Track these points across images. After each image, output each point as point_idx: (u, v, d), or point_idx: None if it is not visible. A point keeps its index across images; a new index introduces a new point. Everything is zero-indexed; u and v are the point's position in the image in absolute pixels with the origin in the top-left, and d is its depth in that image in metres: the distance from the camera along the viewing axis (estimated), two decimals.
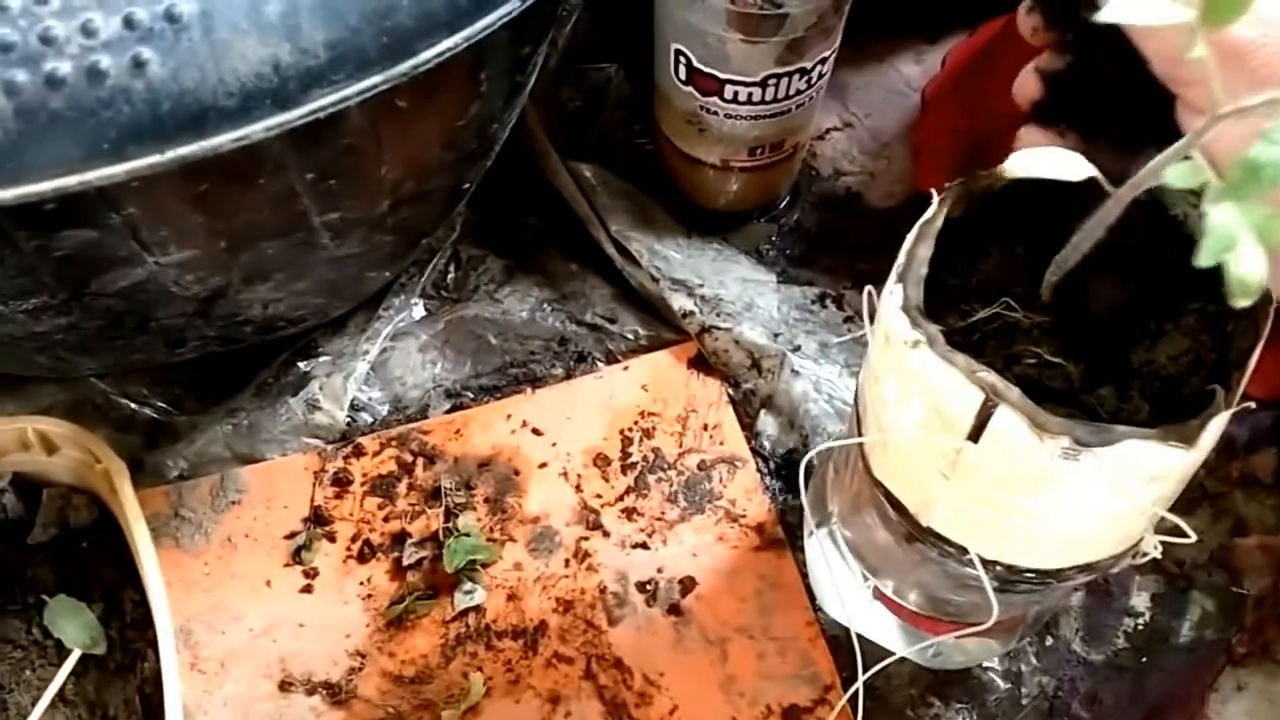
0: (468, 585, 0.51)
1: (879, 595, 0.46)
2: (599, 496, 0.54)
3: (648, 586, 0.52)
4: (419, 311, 0.59)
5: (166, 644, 0.43)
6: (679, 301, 0.57)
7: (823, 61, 0.52)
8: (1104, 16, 0.21)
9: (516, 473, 0.55)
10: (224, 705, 0.49)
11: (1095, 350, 0.34)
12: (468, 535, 0.52)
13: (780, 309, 0.58)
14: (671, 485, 0.55)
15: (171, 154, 0.32)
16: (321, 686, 0.49)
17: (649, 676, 0.50)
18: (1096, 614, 0.51)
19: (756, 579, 0.52)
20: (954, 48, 0.67)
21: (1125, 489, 0.31)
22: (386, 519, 0.53)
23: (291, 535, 0.53)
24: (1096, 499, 0.31)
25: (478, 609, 0.51)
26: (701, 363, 0.58)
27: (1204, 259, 0.22)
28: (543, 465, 0.55)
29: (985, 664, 0.50)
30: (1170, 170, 0.24)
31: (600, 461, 0.55)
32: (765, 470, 0.55)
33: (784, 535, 0.53)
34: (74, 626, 0.46)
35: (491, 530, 0.53)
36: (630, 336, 0.59)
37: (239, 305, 0.46)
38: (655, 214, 0.61)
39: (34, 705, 0.44)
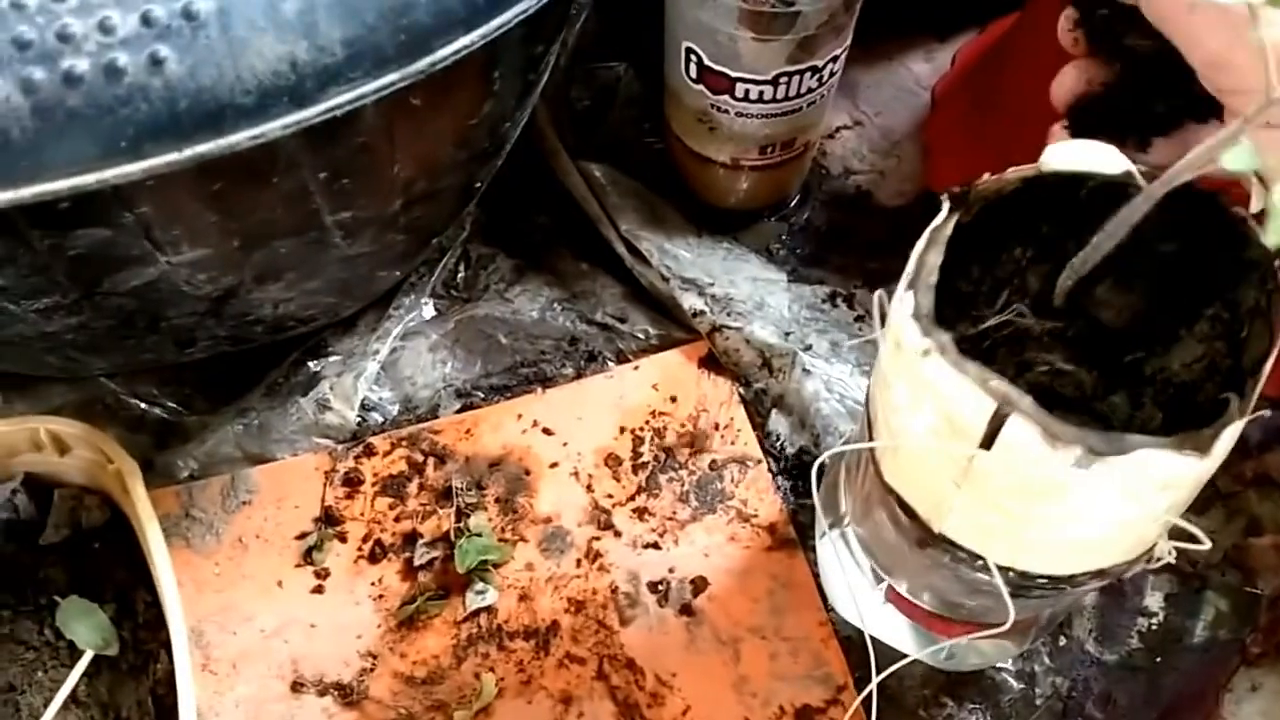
0: (479, 585, 0.51)
1: (892, 596, 0.46)
2: (610, 496, 0.54)
3: (659, 586, 0.52)
4: (429, 311, 0.59)
5: (180, 645, 0.43)
6: (689, 301, 0.57)
7: (834, 60, 0.52)
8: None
9: (527, 472, 0.55)
10: (236, 706, 0.49)
11: (1108, 357, 0.34)
12: (479, 535, 0.52)
13: (791, 308, 0.58)
14: (683, 485, 0.54)
15: (189, 152, 0.31)
16: (333, 687, 0.49)
17: (661, 677, 0.50)
18: (1110, 614, 0.51)
19: (768, 579, 0.52)
20: (964, 46, 0.67)
21: (1138, 497, 0.31)
22: (397, 519, 0.53)
23: (302, 535, 0.53)
24: (1110, 507, 0.31)
25: (489, 609, 0.51)
26: (712, 362, 0.58)
27: (1271, 238, 0.22)
28: (554, 465, 0.55)
29: (998, 664, 0.50)
30: (1226, 154, 0.23)
31: (611, 461, 0.55)
32: (776, 470, 0.55)
33: (796, 535, 0.53)
34: (86, 628, 0.46)
35: (503, 530, 0.53)
36: (641, 336, 0.59)
37: (250, 304, 0.46)
38: (665, 213, 0.60)
39: (46, 706, 0.44)
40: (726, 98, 0.53)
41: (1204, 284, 0.33)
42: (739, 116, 0.54)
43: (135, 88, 0.31)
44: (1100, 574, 0.36)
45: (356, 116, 0.34)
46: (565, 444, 0.56)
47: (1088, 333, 0.34)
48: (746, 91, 0.52)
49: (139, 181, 0.32)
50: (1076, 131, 0.38)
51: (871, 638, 0.45)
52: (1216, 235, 0.32)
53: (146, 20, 0.30)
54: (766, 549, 0.53)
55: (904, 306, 0.32)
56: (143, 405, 0.55)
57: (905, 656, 0.45)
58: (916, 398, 0.33)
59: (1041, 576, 0.35)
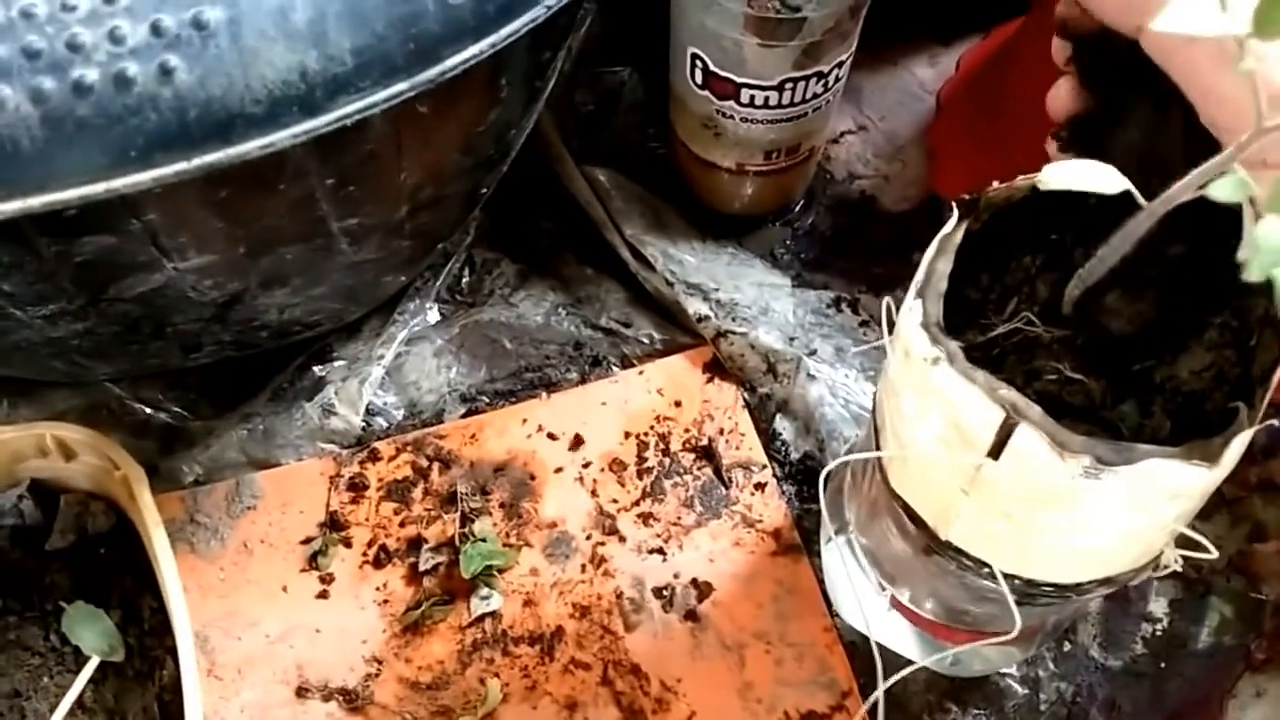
0: (484, 591, 0.51)
1: (896, 604, 0.46)
2: (615, 501, 0.54)
3: (664, 592, 0.52)
4: (434, 316, 0.59)
5: (186, 651, 0.43)
6: (694, 306, 0.57)
7: (839, 65, 0.52)
8: (1156, 26, 0.21)
9: (532, 477, 0.55)
10: (241, 712, 0.49)
11: (1116, 365, 0.34)
12: (484, 540, 0.52)
13: (796, 313, 0.58)
14: (687, 490, 0.54)
15: (199, 161, 0.31)
16: (338, 693, 0.49)
17: (666, 683, 0.50)
18: (1115, 620, 0.51)
19: (773, 584, 0.52)
20: (968, 51, 0.67)
21: (1147, 506, 0.31)
22: (402, 524, 0.53)
23: (307, 541, 0.53)
24: (1118, 516, 0.31)
25: (494, 615, 0.51)
26: (717, 367, 0.58)
27: (1253, 274, 0.22)
28: (558, 470, 0.55)
29: (1003, 670, 0.50)
30: (1216, 184, 0.24)
31: (616, 466, 0.55)
32: (781, 475, 0.55)
33: (800, 540, 0.53)
34: (92, 633, 0.46)
35: (507, 535, 0.53)
36: (645, 341, 0.59)
37: (255, 310, 0.46)
38: (670, 218, 0.60)
39: (52, 712, 0.44)
40: (731, 103, 0.53)
41: (1213, 292, 0.33)
42: (744, 122, 0.54)
43: (145, 97, 0.31)
44: (1107, 582, 0.36)
45: (365, 125, 0.34)
46: (570, 449, 0.56)
47: (1097, 341, 0.34)
48: (752, 97, 0.52)
49: (147, 190, 0.32)
50: (1071, 142, 0.38)
51: (877, 644, 0.45)
52: (1226, 243, 0.32)
53: (156, 30, 0.30)
54: (771, 554, 0.53)
55: (912, 315, 0.32)
56: (148, 410, 0.55)
57: (910, 663, 0.45)
58: (924, 406, 0.33)
59: (1048, 585, 0.35)
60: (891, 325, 0.35)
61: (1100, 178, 0.31)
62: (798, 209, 0.63)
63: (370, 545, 0.53)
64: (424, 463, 0.55)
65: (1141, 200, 0.29)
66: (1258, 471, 0.53)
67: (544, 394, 0.57)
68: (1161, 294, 0.34)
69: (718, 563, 0.53)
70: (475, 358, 0.58)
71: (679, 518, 0.54)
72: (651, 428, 0.56)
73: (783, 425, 0.56)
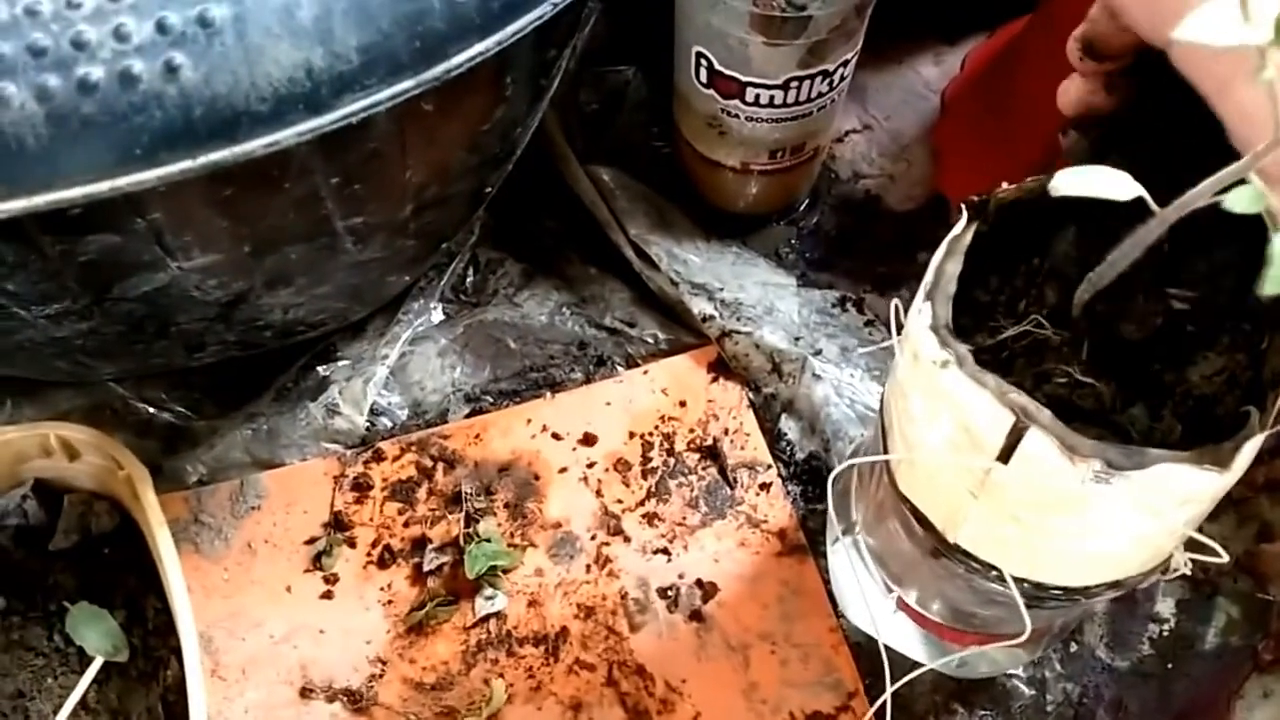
0: (489, 591, 0.51)
1: (903, 606, 0.45)
2: (620, 502, 0.54)
3: (669, 592, 0.52)
4: (438, 315, 0.59)
5: (190, 652, 0.43)
6: (699, 305, 0.57)
7: (845, 64, 0.52)
8: (1177, 36, 0.21)
9: (536, 477, 0.55)
10: (245, 713, 0.49)
11: (1126, 368, 0.34)
12: (488, 541, 0.52)
13: (800, 312, 0.58)
14: (692, 490, 0.54)
15: (204, 159, 0.31)
16: (342, 693, 0.49)
17: (671, 683, 0.50)
18: (1122, 620, 0.51)
19: (778, 585, 0.52)
20: (974, 49, 0.67)
21: (1157, 511, 0.31)
22: (407, 524, 0.53)
23: (311, 541, 0.53)
24: (1127, 520, 0.31)
25: (499, 615, 0.51)
26: (722, 367, 0.58)
27: (1268, 288, 0.21)
28: (563, 470, 0.55)
29: (1010, 671, 0.50)
30: (1232, 196, 0.23)
31: (620, 466, 0.55)
32: (786, 475, 0.55)
33: (805, 541, 0.53)
34: (96, 634, 0.46)
35: (512, 536, 0.53)
36: (650, 340, 0.59)
37: (260, 310, 0.46)
38: (674, 217, 0.60)
39: (56, 713, 0.44)
40: (736, 102, 0.53)
41: (1225, 297, 0.33)
42: (749, 121, 0.54)
43: (150, 95, 0.30)
44: (1116, 585, 0.36)
45: (370, 123, 0.34)
46: (574, 449, 0.55)
47: (1106, 344, 0.34)
48: (757, 96, 0.52)
49: (151, 188, 0.32)
50: (1087, 142, 0.38)
51: (884, 645, 0.45)
52: (1239, 246, 0.32)
53: (162, 27, 0.30)
54: (776, 555, 0.53)
55: (921, 317, 0.32)
56: (151, 410, 0.55)
57: (917, 664, 0.45)
58: (933, 409, 0.33)
59: (1056, 588, 0.35)
60: (899, 327, 0.35)
61: (1114, 184, 0.30)
62: (802, 208, 0.63)
63: (374, 545, 0.53)
64: (428, 463, 0.55)
65: (1155, 206, 0.29)
66: (1265, 472, 0.53)
67: (548, 394, 0.57)
68: (1172, 297, 0.34)
69: (723, 563, 0.52)
70: (480, 357, 0.58)
71: (684, 518, 0.53)
72: (656, 428, 0.56)
73: (788, 425, 0.56)
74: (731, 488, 0.54)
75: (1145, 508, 0.30)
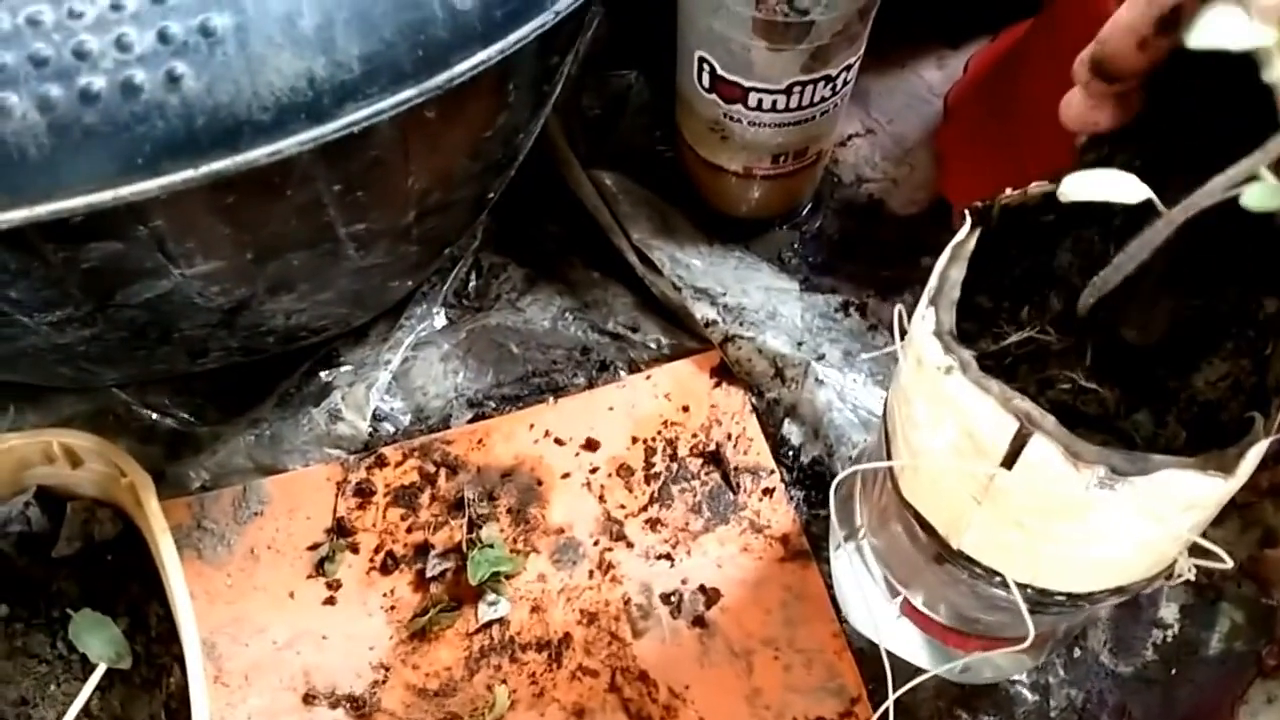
0: (491, 597, 0.51)
1: (907, 610, 0.45)
2: (622, 507, 0.54)
3: (672, 598, 0.52)
4: (441, 320, 0.59)
5: (193, 658, 0.43)
6: (702, 310, 0.57)
7: (847, 69, 0.52)
8: (1191, 42, 0.21)
9: (539, 483, 0.55)
10: (248, 719, 0.49)
11: (1131, 374, 0.33)
12: (491, 547, 0.52)
13: (803, 317, 0.58)
14: (695, 495, 0.54)
15: (205, 169, 0.31)
16: (345, 699, 0.49)
17: (674, 689, 0.49)
18: (1125, 626, 0.51)
19: (782, 590, 0.52)
20: (977, 53, 0.67)
21: (1161, 517, 0.30)
22: (409, 530, 0.53)
23: (314, 547, 0.53)
24: (1132, 527, 0.31)
25: (501, 621, 0.51)
26: (724, 372, 0.58)
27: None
28: (565, 475, 0.55)
29: (1013, 677, 0.49)
30: (1248, 193, 0.23)
31: (623, 472, 0.55)
32: (789, 480, 0.55)
33: (809, 546, 0.53)
34: (99, 641, 0.46)
35: (515, 541, 0.53)
36: (653, 345, 0.59)
37: (262, 316, 0.46)
38: (677, 222, 0.60)
39: None
40: (739, 107, 0.53)
41: (1230, 300, 0.33)
42: (751, 125, 0.54)
43: (152, 105, 0.30)
44: (1120, 591, 0.35)
45: (373, 131, 0.34)
46: (577, 454, 0.55)
47: (1111, 349, 0.34)
48: (759, 101, 0.52)
49: (153, 197, 0.32)
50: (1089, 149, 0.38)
51: (886, 651, 0.45)
52: (1244, 250, 0.32)
53: (164, 37, 0.30)
54: (779, 560, 0.53)
55: (925, 323, 0.32)
56: (154, 416, 0.55)
57: (920, 670, 0.45)
58: (937, 415, 0.33)
59: (1060, 594, 0.35)
60: (903, 332, 0.35)
61: (1122, 187, 0.30)
62: (805, 212, 0.63)
63: (377, 551, 0.53)
64: (431, 468, 0.55)
65: (1162, 207, 0.29)
66: (1268, 476, 0.53)
67: (551, 399, 0.57)
68: (1177, 303, 0.34)
69: (726, 568, 0.52)
70: (482, 363, 0.58)
71: (687, 523, 0.53)
72: (659, 433, 0.56)
73: (791, 430, 0.56)
74: (734, 493, 0.54)
75: (1149, 514, 0.30)
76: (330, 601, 0.52)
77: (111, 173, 0.31)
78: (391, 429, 0.56)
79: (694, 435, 0.56)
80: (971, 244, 0.33)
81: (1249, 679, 0.49)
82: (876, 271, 0.61)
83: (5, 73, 0.30)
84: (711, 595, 0.52)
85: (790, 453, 0.55)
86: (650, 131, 0.64)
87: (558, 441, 0.56)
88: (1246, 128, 0.30)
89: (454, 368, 0.58)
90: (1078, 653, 0.50)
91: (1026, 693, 0.49)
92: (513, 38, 0.35)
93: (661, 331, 0.59)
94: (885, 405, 0.39)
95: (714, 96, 0.53)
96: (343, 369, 0.56)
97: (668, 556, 0.53)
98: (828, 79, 0.51)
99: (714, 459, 0.55)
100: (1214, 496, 0.30)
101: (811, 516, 0.54)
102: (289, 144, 0.32)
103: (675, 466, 0.55)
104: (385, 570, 0.52)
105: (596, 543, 0.53)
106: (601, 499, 0.54)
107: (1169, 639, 0.51)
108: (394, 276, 0.51)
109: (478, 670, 0.50)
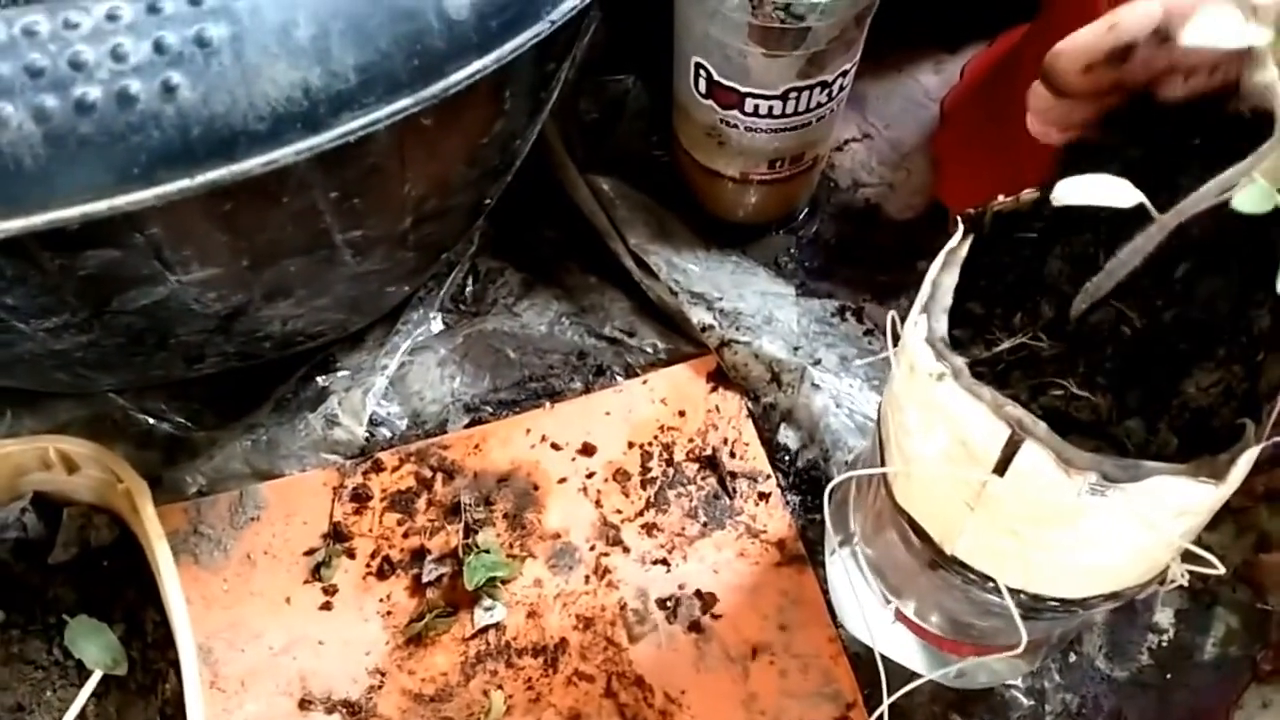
0: (488, 602, 0.51)
1: (901, 617, 0.45)
2: (619, 512, 0.54)
3: (668, 603, 0.52)
4: (437, 325, 0.59)
5: (189, 664, 0.43)
6: (698, 315, 0.57)
7: (844, 74, 0.52)
8: (1185, 40, 0.21)
9: (536, 488, 0.55)
10: None
11: (1123, 381, 0.34)
12: (487, 552, 0.52)
13: (800, 322, 0.58)
14: (691, 500, 0.54)
15: (201, 178, 0.31)
16: (341, 705, 0.49)
17: (670, 694, 0.50)
18: (1120, 630, 0.51)
19: (778, 595, 0.52)
20: (973, 58, 0.67)
21: (1153, 523, 0.31)
22: (406, 535, 0.53)
23: (311, 552, 0.53)
24: (1124, 533, 0.31)
25: (498, 626, 0.51)
26: (721, 376, 0.58)
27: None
28: (562, 480, 0.55)
29: (1008, 681, 0.50)
30: (1240, 195, 0.23)
31: (620, 476, 0.55)
32: (785, 485, 0.55)
33: (805, 551, 0.53)
34: (95, 647, 0.46)
35: (511, 546, 0.53)
36: (649, 350, 0.59)
37: (259, 322, 0.46)
38: (673, 227, 0.60)
39: None
40: (735, 112, 0.53)
41: (1221, 307, 0.33)
42: (748, 131, 0.54)
43: (148, 115, 0.30)
44: (1113, 596, 0.36)
45: (369, 140, 0.34)
46: (573, 459, 0.55)
47: (1103, 356, 0.34)
48: (756, 106, 0.52)
49: (150, 206, 0.32)
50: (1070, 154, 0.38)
51: (882, 656, 0.45)
52: (1235, 257, 0.32)
53: (159, 47, 0.30)
54: (775, 565, 0.53)
55: (917, 330, 0.32)
56: (151, 421, 0.55)
57: (916, 675, 0.45)
58: (929, 421, 0.33)
59: (1053, 599, 0.35)
60: (896, 338, 0.35)
61: (1114, 192, 0.30)
62: (802, 217, 0.63)
63: (374, 556, 0.53)
64: (427, 473, 0.55)
65: (1155, 212, 0.29)
66: (1263, 481, 0.53)
67: (548, 404, 0.57)
68: (1169, 309, 0.34)
69: (722, 573, 0.52)
70: (479, 367, 0.58)
71: (683, 528, 0.53)
72: (655, 437, 0.56)
73: (787, 435, 0.56)
74: (730, 498, 0.54)
75: (1141, 520, 0.30)
76: (326, 607, 0.52)
77: (107, 183, 0.31)
78: (388, 434, 0.56)
79: (690, 440, 0.56)
80: (964, 251, 0.33)
81: (1244, 684, 0.49)
82: (873, 276, 0.61)
83: (1, 83, 0.30)
84: (708, 600, 0.52)
85: (786, 457, 0.55)
86: (647, 136, 0.64)
87: (554, 446, 0.56)
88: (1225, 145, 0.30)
89: (450, 373, 0.58)
90: (1073, 657, 0.50)
91: (1022, 697, 0.50)
92: (508, 47, 0.35)
93: (658, 336, 0.59)
94: (879, 411, 0.39)
95: (711, 102, 0.53)
96: (339, 374, 0.56)
97: (664, 561, 0.53)
98: (824, 84, 0.51)
99: (710, 464, 0.55)
100: (1206, 503, 0.30)
101: (808, 521, 0.54)
102: (285, 153, 0.32)
103: (671, 471, 0.55)
104: (381, 575, 0.52)
105: (593, 548, 0.53)
106: (598, 504, 0.54)
107: (1164, 644, 0.51)
108: (390, 282, 0.51)
109: (474, 675, 0.50)
